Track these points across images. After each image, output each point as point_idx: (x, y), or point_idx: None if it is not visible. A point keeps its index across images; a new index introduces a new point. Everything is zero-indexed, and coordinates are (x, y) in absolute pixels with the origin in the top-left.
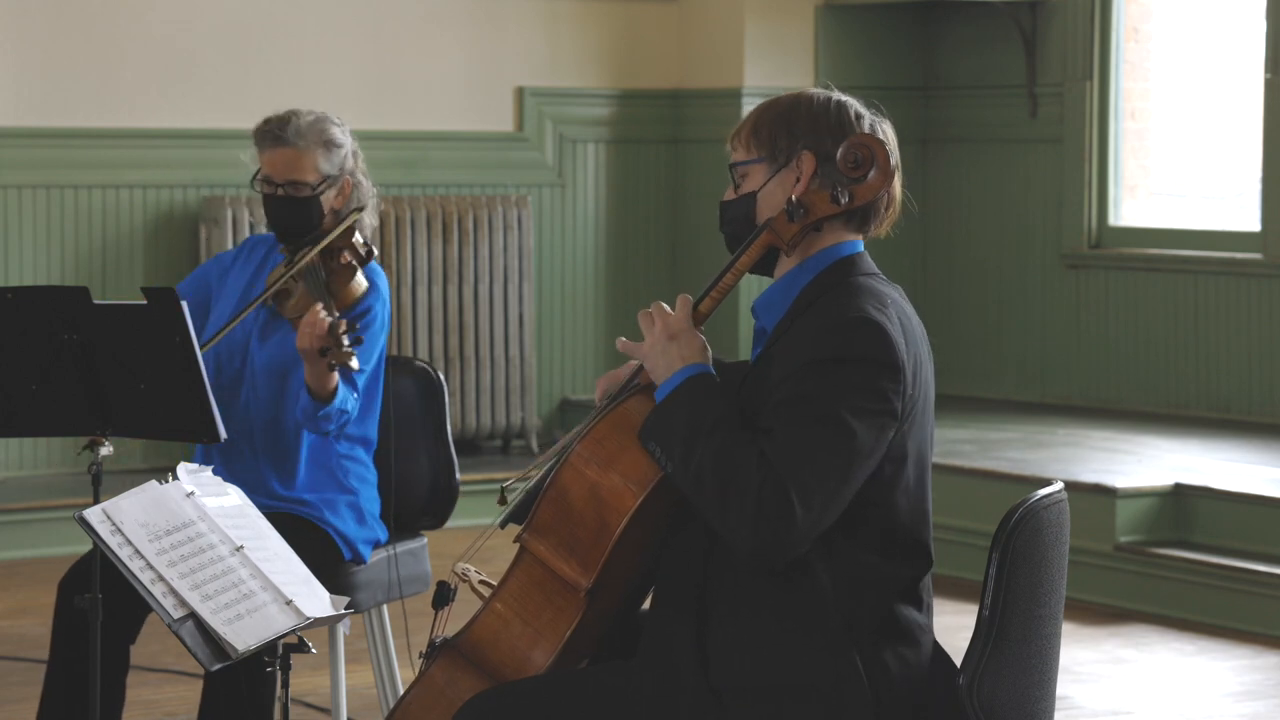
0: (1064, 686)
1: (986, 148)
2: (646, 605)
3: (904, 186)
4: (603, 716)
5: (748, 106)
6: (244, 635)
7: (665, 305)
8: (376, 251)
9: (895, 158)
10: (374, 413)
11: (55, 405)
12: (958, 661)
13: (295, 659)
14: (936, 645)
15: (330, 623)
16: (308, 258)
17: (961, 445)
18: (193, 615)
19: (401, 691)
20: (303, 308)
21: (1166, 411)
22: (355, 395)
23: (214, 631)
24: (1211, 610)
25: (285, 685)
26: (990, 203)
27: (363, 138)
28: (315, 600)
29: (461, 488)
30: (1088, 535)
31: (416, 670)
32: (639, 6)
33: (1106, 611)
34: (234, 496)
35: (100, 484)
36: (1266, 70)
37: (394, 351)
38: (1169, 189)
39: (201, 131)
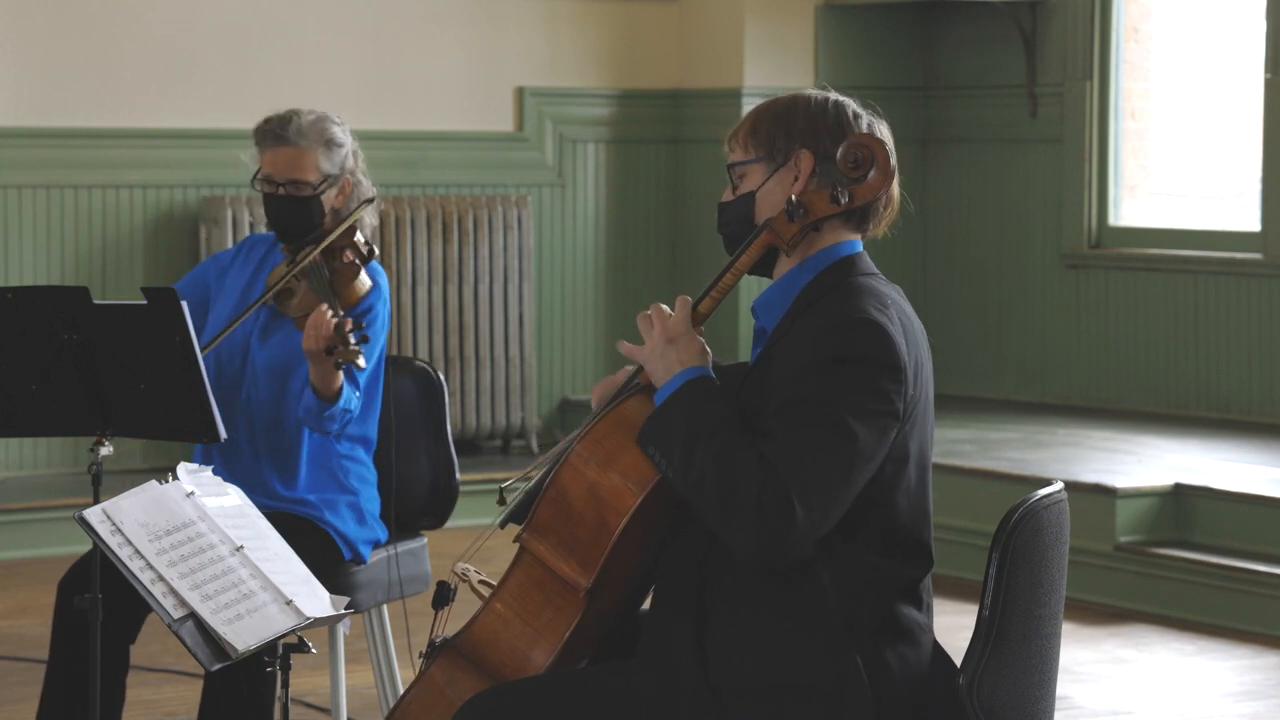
0: (1064, 686)
1: (986, 148)
2: (646, 605)
3: (902, 186)
4: (603, 716)
5: (748, 106)
6: (244, 635)
7: (665, 307)
8: (377, 250)
9: (894, 159)
10: (374, 412)
11: (55, 405)
12: (958, 661)
13: (295, 659)
14: (936, 645)
15: (330, 623)
16: (311, 256)
17: (961, 445)
18: (193, 615)
19: (401, 691)
20: (306, 307)
21: (1166, 411)
22: (358, 394)
23: (214, 631)
24: (1211, 610)
25: (285, 685)
26: (990, 203)
27: (363, 138)
28: (315, 600)
29: (461, 488)
30: (1088, 535)
31: (416, 670)
32: (639, 6)
33: (1106, 611)
34: (234, 496)
35: (100, 484)
36: (1266, 70)
37: (394, 351)
38: (1169, 189)
39: (201, 131)
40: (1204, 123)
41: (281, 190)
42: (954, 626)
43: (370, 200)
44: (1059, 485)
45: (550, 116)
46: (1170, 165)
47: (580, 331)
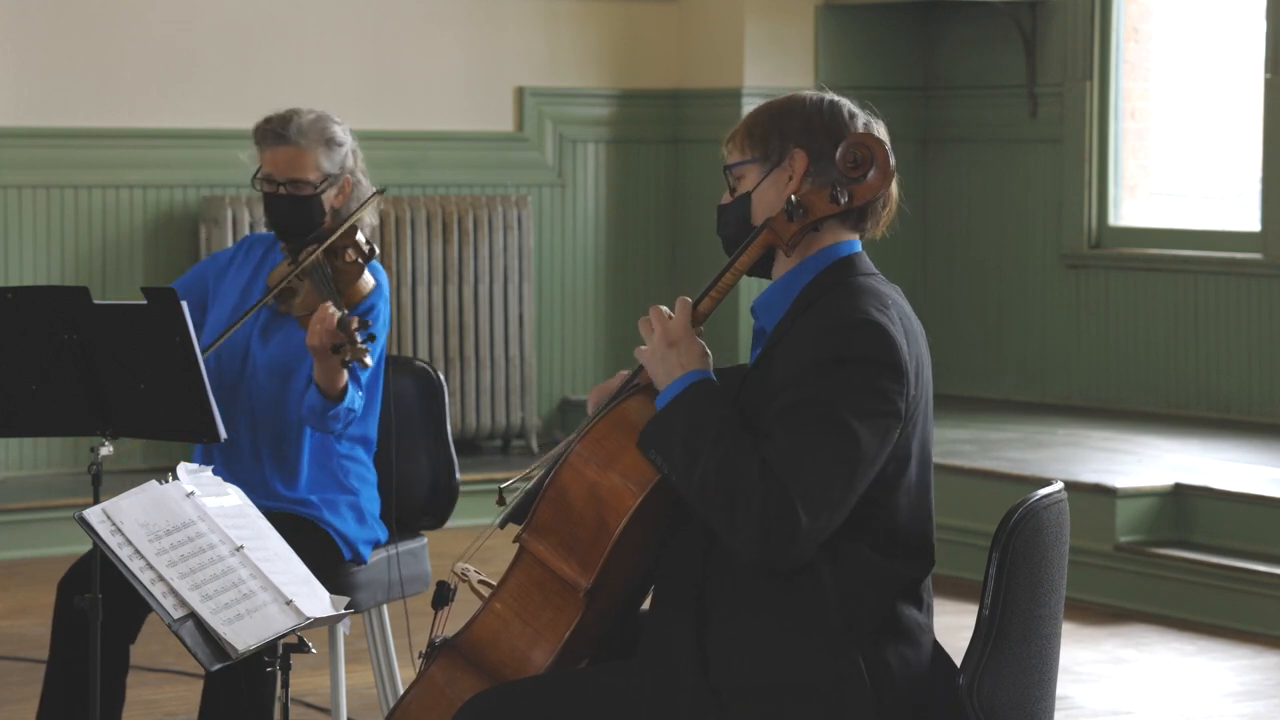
0: (1064, 686)
1: (986, 148)
2: (646, 605)
3: (901, 186)
4: (603, 716)
5: (748, 106)
6: (244, 635)
7: (665, 309)
8: (378, 249)
9: (893, 159)
10: (374, 412)
11: (55, 405)
12: (958, 661)
13: (295, 659)
14: (936, 645)
15: (330, 623)
16: (314, 255)
17: (961, 445)
18: (193, 615)
19: (401, 691)
20: (309, 306)
21: (1166, 411)
22: (361, 393)
23: (214, 631)
24: (1211, 610)
25: (285, 685)
26: (990, 203)
27: (363, 138)
28: (315, 600)
29: (461, 488)
30: (1088, 535)
31: (416, 670)
32: (639, 6)
33: (1106, 611)
34: (234, 496)
35: (100, 484)
36: (1266, 70)
37: (394, 351)
38: (1169, 189)
39: (201, 131)
40: (1204, 123)
41: (282, 190)
42: (954, 626)
43: (380, 191)
44: (1059, 485)
45: (550, 116)
46: (1170, 165)
47: (580, 331)
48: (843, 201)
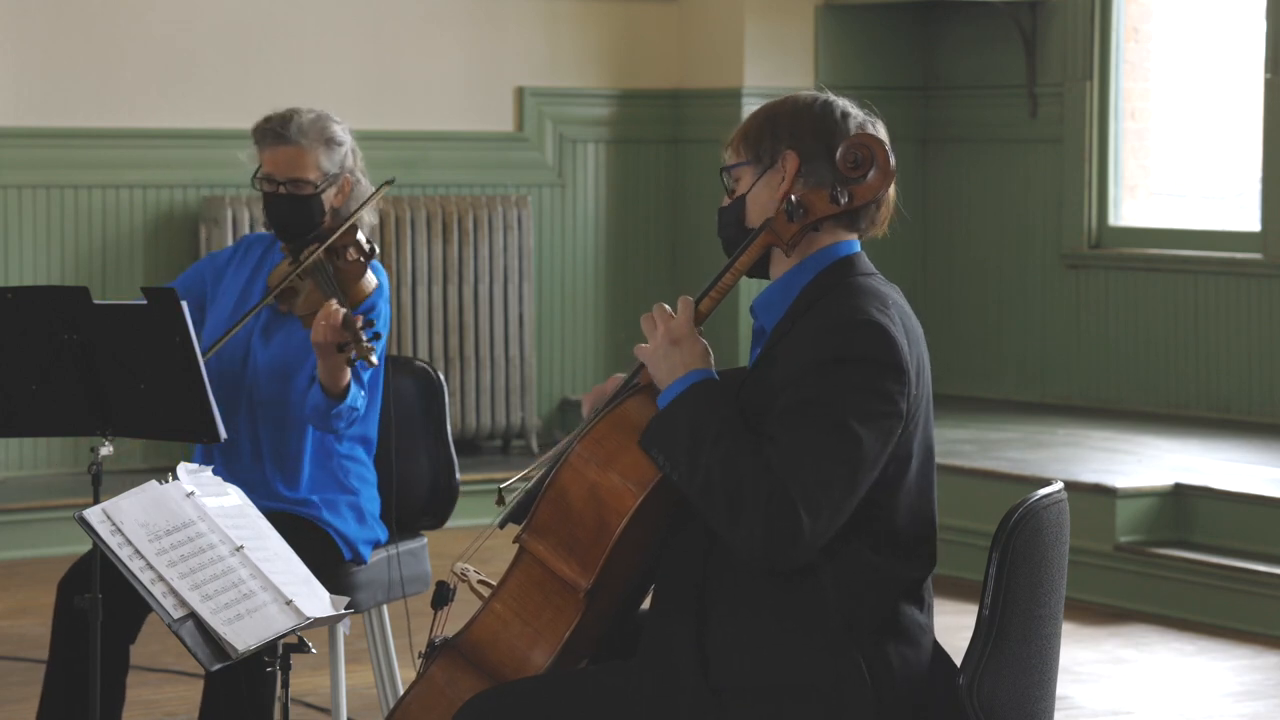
0: (1064, 686)
1: (986, 148)
2: (646, 605)
3: (900, 186)
4: (603, 716)
5: (748, 106)
6: (244, 635)
7: (667, 307)
8: (377, 248)
9: (893, 159)
10: (374, 412)
11: (55, 405)
12: (958, 661)
13: (295, 659)
14: (936, 645)
15: (330, 623)
16: (316, 254)
17: (961, 445)
18: (193, 615)
19: (401, 691)
20: (312, 305)
21: (1166, 411)
22: (363, 392)
23: (214, 631)
24: (1211, 610)
25: (285, 685)
26: (990, 203)
27: (363, 138)
28: (315, 600)
29: (461, 488)
30: (1088, 535)
31: (416, 670)
32: (639, 6)
33: (1106, 611)
34: (234, 496)
35: (100, 484)
36: (1266, 70)
37: (394, 351)
38: (1169, 189)
39: (201, 131)
40: (1204, 123)
41: (282, 189)
42: (954, 626)
43: (390, 182)
44: (1059, 485)
45: (550, 116)
46: (1170, 165)
47: (580, 331)
48: (843, 202)
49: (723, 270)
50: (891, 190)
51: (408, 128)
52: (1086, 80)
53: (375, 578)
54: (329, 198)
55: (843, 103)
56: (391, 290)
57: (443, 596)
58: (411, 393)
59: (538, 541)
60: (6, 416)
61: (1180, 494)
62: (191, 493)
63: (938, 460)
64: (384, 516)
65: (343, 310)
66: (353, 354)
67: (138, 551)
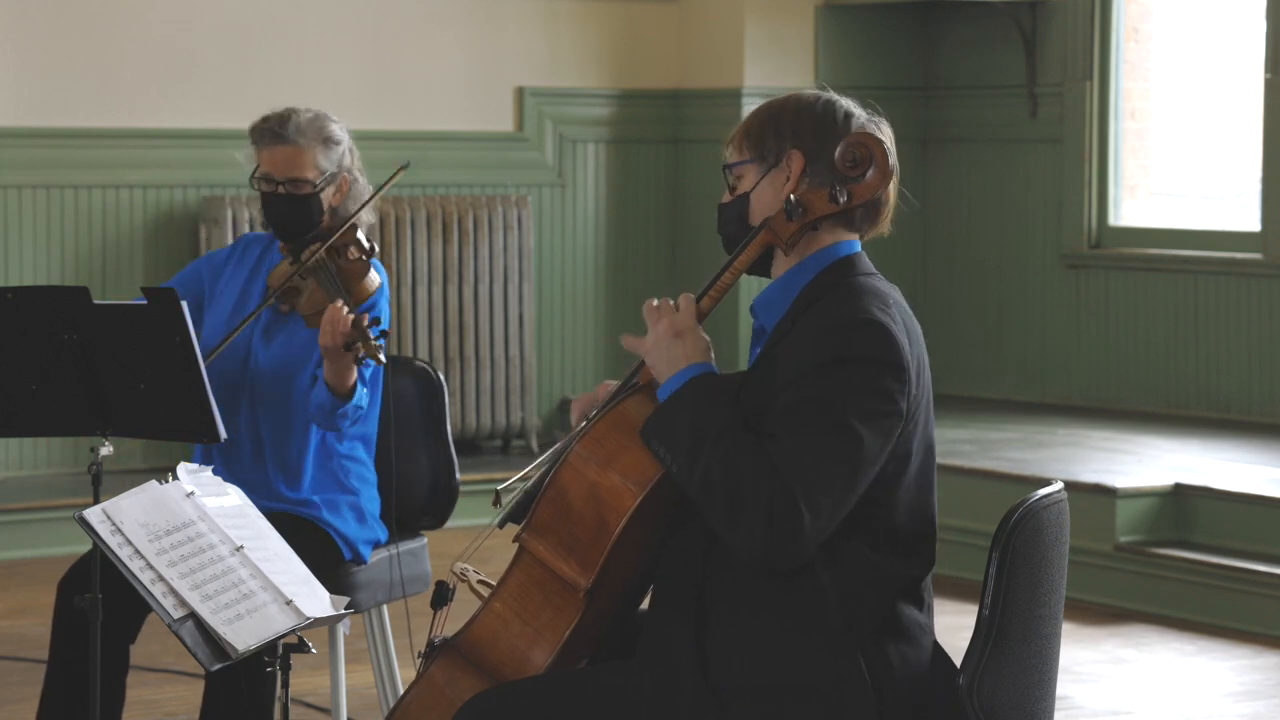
0: (1064, 686)
1: (986, 148)
2: (645, 605)
3: (902, 186)
4: (602, 716)
5: (748, 106)
6: (244, 635)
7: (671, 301)
8: (377, 247)
9: (893, 158)
10: (374, 411)
11: (55, 405)
12: (958, 661)
13: (295, 659)
14: (936, 645)
15: (330, 623)
16: (318, 254)
17: (961, 445)
18: (193, 615)
19: (401, 691)
20: (316, 304)
21: (1166, 411)
22: (367, 391)
23: (214, 631)
24: (1211, 610)
25: (285, 685)
26: (990, 203)
27: (363, 138)
28: (315, 600)
29: (461, 488)
30: (1088, 535)
31: (416, 670)
32: (639, 6)
33: (1106, 611)
34: (234, 496)
35: (100, 484)
36: (1266, 70)
37: (394, 351)
38: (1169, 189)
39: (201, 131)
40: (1204, 123)
41: (281, 189)
42: (954, 626)
43: (405, 166)
44: (1059, 485)
45: (550, 116)
46: (1170, 165)
47: (580, 331)
48: (841, 201)
49: (722, 269)
50: (893, 190)
51: (408, 128)
52: (1086, 80)
53: (375, 578)
54: (327, 197)
55: (846, 102)
56: (391, 290)
57: (442, 596)
58: (411, 393)
59: (537, 541)
60: (6, 416)
61: (1180, 494)
62: (191, 493)
63: (938, 460)
64: (384, 516)
65: (350, 310)
66: (361, 353)
67: (138, 551)
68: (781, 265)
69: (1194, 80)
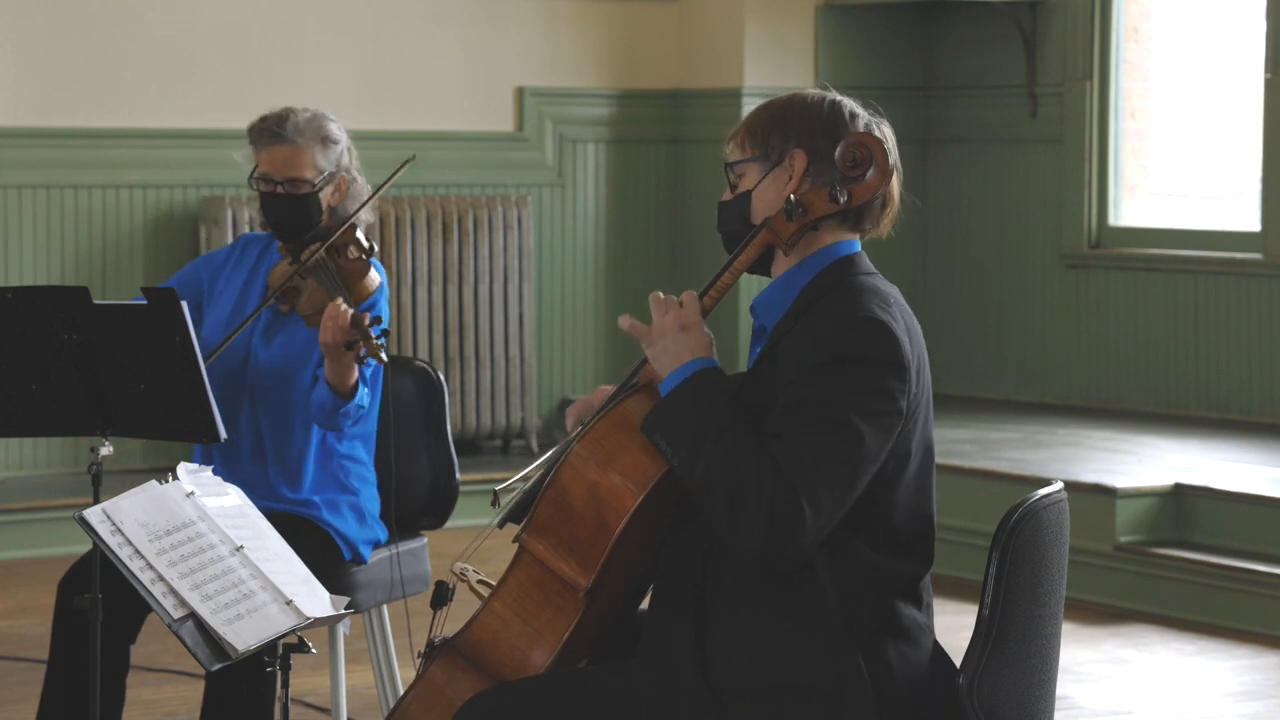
0: (1064, 686)
1: (986, 148)
2: (645, 605)
3: (903, 186)
4: (602, 716)
5: (748, 106)
6: (244, 635)
7: (674, 297)
8: (377, 246)
9: (894, 158)
10: (374, 411)
11: (55, 405)
12: (958, 661)
13: (295, 659)
14: (936, 645)
15: (330, 623)
16: (317, 253)
17: (961, 445)
18: (193, 615)
19: (401, 691)
20: (316, 303)
21: (1166, 411)
22: (368, 390)
23: (214, 631)
24: (1211, 610)
25: (285, 685)
26: (990, 203)
27: (363, 138)
28: (315, 600)
29: (461, 488)
30: (1088, 535)
31: (416, 670)
32: (639, 6)
33: (1106, 611)
34: (234, 496)
35: (100, 484)
36: (1266, 70)
37: (394, 351)
38: (1169, 189)
39: (201, 131)
40: (1204, 123)
41: (279, 189)
42: (954, 626)
43: (412, 158)
44: (1059, 485)
45: (550, 116)
46: (1170, 165)
47: (580, 331)
48: (841, 201)
49: (722, 268)
50: (895, 190)
51: (408, 128)
52: (1086, 80)
53: (375, 578)
54: (326, 196)
55: (850, 103)
56: (391, 290)
57: (442, 596)
58: (411, 393)
59: (537, 541)
60: (6, 416)
61: (1180, 494)
62: (191, 493)
63: (938, 460)
64: (384, 516)
65: (350, 309)
66: (362, 351)
67: (138, 551)
68: (782, 265)
69: (1194, 80)
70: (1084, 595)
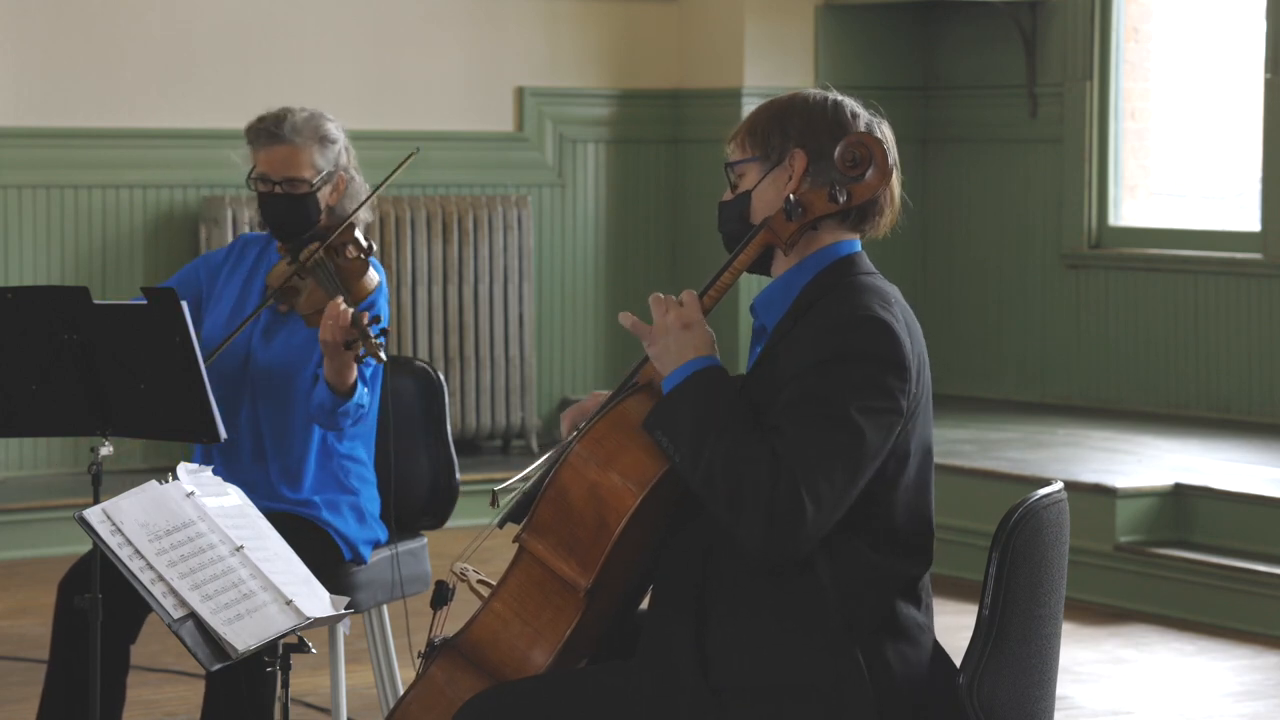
0: (1064, 686)
1: (986, 148)
2: (645, 605)
3: (903, 186)
4: (602, 716)
5: (748, 106)
6: (244, 635)
7: (674, 297)
8: (375, 246)
9: (894, 157)
10: (373, 410)
11: (55, 405)
12: (958, 661)
13: (295, 659)
14: (936, 645)
15: (330, 623)
16: (316, 253)
17: (961, 445)
18: (193, 615)
19: (401, 691)
20: (315, 303)
21: (1166, 411)
22: (368, 390)
23: (214, 631)
24: (1211, 610)
25: (285, 685)
26: (990, 203)
27: (363, 138)
28: (315, 600)
29: (461, 488)
30: (1088, 535)
31: (416, 670)
32: (639, 6)
33: (1106, 611)
34: (234, 496)
35: (100, 484)
36: (1266, 70)
37: (394, 351)
38: (1169, 189)
39: (201, 131)
40: (1204, 123)
41: (277, 189)
42: (954, 626)
43: (416, 150)
44: (1059, 485)
45: (550, 116)
46: (1170, 165)
47: (580, 331)
48: (841, 201)
49: (722, 268)
50: (895, 190)
51: (408, 128)
52: (1086, 80)
53: (375, 578)
54: (324, 196)
55: (850, 102)
56: (391, 290)
57: (442, 596)
58: (411, 393)
59: (538, 541)
60: (6, 416)
61: (1180, 494)
62: (191, 493)
63: (938, 460)
64: (384, 516)
65: (350, 308)
66: (361, 351)
67: (138, 551)
68: (781, 265)
69: (1194, 80)
70: (1084, 595)
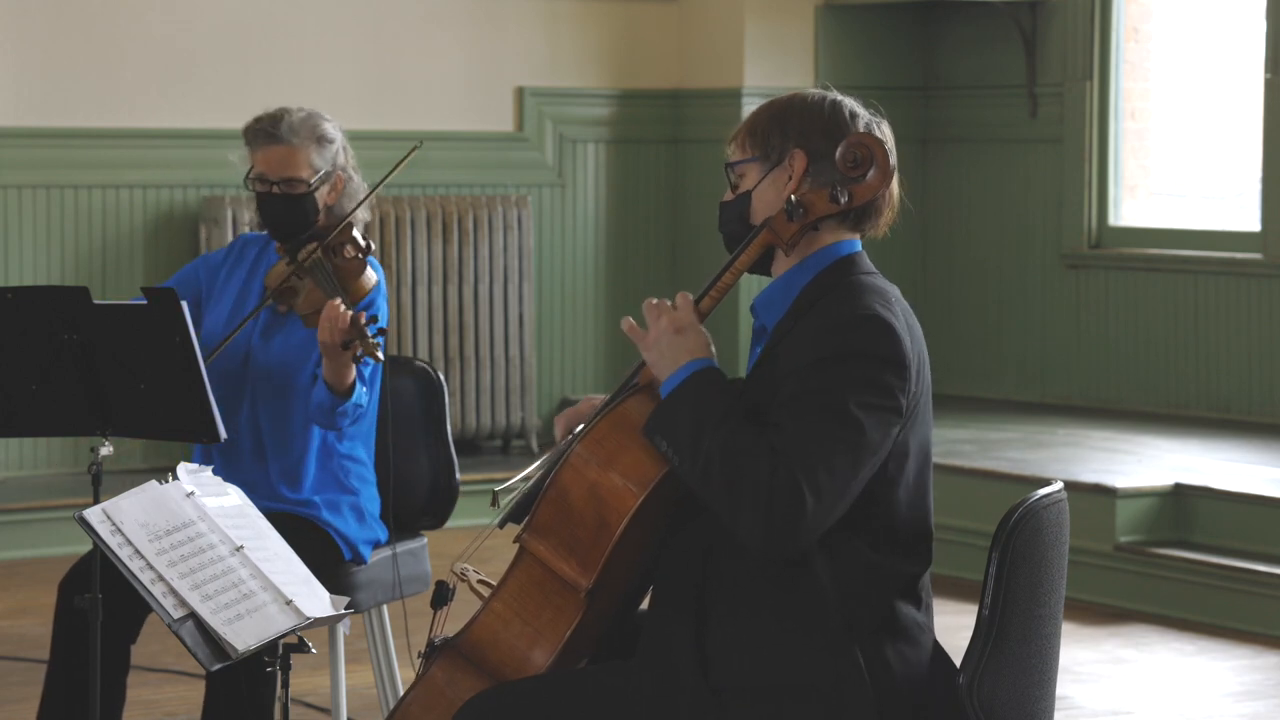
0: (1064, 686)
1: (986, 148)
2: (645, 605)
3: (902, 186)
4: (602, 716)
5: (748, 106)
6: (244, 635)
7: (669, 301)
8: (374, 245)
9: (893, 158)
10: (372, 410)
11: (55, 405)
12: (958, 661)
13: (295, 659)
14: (936, 645)
15: (330, 623)
16: (314, 253)
17: (961, 445)
18: (193, 615)
19: (401, 691)
20: (314, 303)
21: (1166, 411)
22: (367, 390)
23: (214, 631)
24: (1211, 610)
25: (285, 685)
26: (990, 203)
27: (363, 138)
28: (315, 600)
29: (461, 488)
30: (1088, 535)
31: (416, 670)
32: (639, 6)
33: (1106, 611)
34: (234, 496)
35: (100, 484)
36: (1266, 70)
37: (394, 351)
38: (1169, 189)
39: (201, 131)
40: (1204, 123)
41: (275, 189)
42: (954, 626)
43: (419, 145)
44: (1059, 485)
45: (550, 116)
46: (1170, 165)
47: (580, 331)
48: (842, 201)
49: (722, 269)
50: (895, 190)
51: (408, 128)
52: (1086, 80)
53: (375, 578)
54: (322, 196)
55: (850, 102)
56: (391, 290)
57: (442, 596)
58: (411, 393)
59: (538, 541)
60: (6, 416)
61: (1180, 494)
62: (191, 493)
63: (938, 460)
64: (384, 516)
65: (348, 308)
66: (359, 351)
67: (138, 551)
68: (782, 265)
69: (1194, 80)
70: (1084, 595)
